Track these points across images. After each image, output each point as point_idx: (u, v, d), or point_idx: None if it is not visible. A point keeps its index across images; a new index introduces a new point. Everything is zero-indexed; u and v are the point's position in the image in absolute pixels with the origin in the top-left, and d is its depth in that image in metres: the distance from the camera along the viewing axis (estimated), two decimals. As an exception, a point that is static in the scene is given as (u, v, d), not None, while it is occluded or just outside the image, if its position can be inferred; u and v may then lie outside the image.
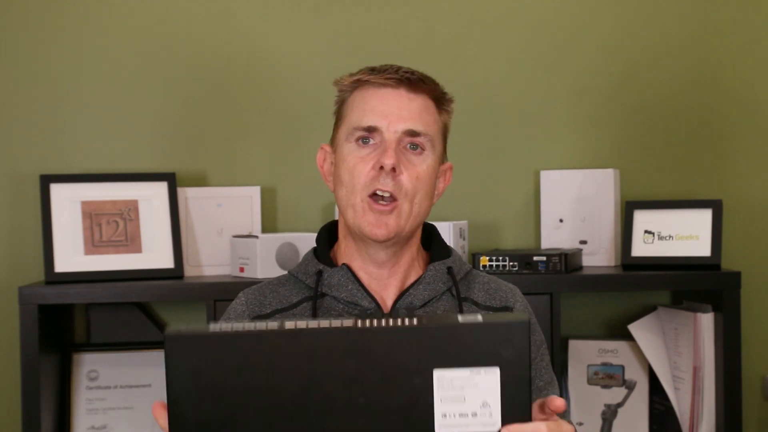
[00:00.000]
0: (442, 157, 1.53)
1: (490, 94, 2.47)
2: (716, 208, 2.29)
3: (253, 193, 2.38)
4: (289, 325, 1.21)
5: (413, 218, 1.47)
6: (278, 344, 1.20)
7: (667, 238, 2.32)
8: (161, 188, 2.30)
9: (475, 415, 1.18)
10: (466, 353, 1.19)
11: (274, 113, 2.44)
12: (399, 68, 1.48)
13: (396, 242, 1.47)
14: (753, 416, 2.43)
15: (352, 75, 1.52)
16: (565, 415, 1.48)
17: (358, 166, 1.45)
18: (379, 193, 1.44)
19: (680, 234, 2.31)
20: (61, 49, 2.39)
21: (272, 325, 1.21)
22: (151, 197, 2.30)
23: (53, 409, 2.22)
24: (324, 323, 1.21)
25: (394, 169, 1.43)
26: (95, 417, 2.28)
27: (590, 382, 2.37)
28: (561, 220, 2.39)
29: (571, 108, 2.48)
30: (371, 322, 1.20)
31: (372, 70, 1.49)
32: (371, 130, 1.45)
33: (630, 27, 2.48)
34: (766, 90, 2.48)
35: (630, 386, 2.34)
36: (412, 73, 1.48)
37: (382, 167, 1.43)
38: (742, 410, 2.19)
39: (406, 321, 1.20)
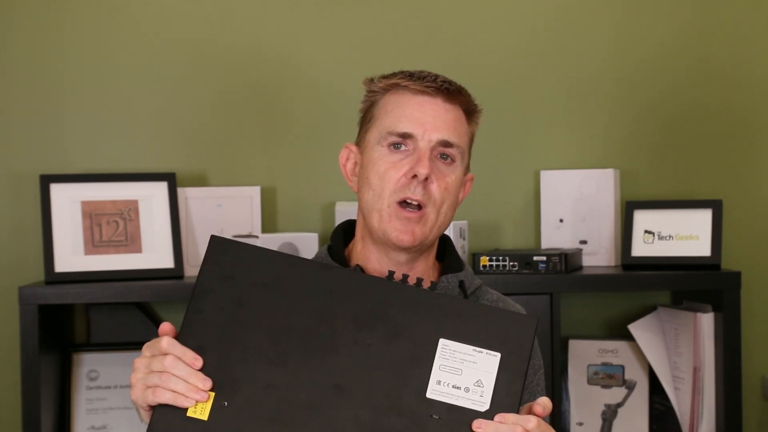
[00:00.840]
0: (467, 168, 1.54)
1: (491, 94, 2.46)
2: (716, 208, 2.29)
3: (253, 193, 2.38)
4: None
5: (438, 227, 1.47)
6: (308, 274, 1.29)
7: (667, 238, 2.32)
8: (161, 188, 2.30)
9: (467, 390, 1.24)
10: (475, 332, 1.26)
11: (275, 113, 2.44)
12: (437, 77, 1.48)
13: (418, 249, 1.48)
14: (753, 416, 2.43)
15: (386, 77, 1.51)
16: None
17: (390, 172, 1.45)
18: (408, 201, 1.44)
19: (680, 234, 2.31)
20: (61, 49, 2.39)
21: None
22: (151, 197, 2.30)
23: (53, 409, 2.22)
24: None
25: (426, 179, 1.43)
26: (95, 417, 2.28)
27: (590, 382, 2.37)
28: (561, 220, 2.39)
29: (571, 108, 2.48)
30: (398, 280, 1.30)
31: (411, 76, 1.48)
32: (406, 136, 1.45)
33: (631, 28, 2.48)
34: (766, 90, 2.48)
35: (630, 386, 2.34)
36: (450, 83, 1.48)
37: (414, 176, 1.43)
38: (742, 410, 2.19)
39: (428, 289, 1.29)
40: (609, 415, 2.34)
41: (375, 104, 1.50)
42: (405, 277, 1.31)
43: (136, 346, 2.32)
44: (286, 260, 1.30)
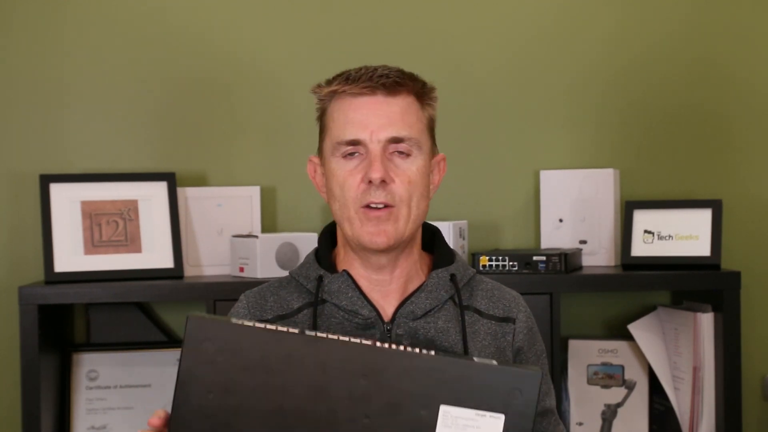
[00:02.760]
0: (433, 151, 1.50)
1: (490, 94, 2.47)
2: (716, 208, 2.29)
3: (253, 193, 2.38)
4: (310, 332, 1.22)
5: (412, 222, 1.45)
6: (296, 348, 1.21)
7: (667, 238, 2.32)
8: (161, 188, 2.31)
9: None
10: (475, 394, 1.20)
11: (274, 113, 2.44)
12: (374, 72, 1.44)
13: (395, 247, 1.46)
14: (753, 416, 2.43)
15: (329, 83, 1.48)
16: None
17: (348, 180, 1.43)
18: (372, 205, 1.42)
19: (680, 234, 2.31)
20: (61, 49, 2.39)
21: (293, 329, 1.23)
22: (151, 197, 2.30)
23: (53, 409, 2.22)
24: (344, 338, 1.22)
25: (383, 181, 1.41)
26: (95, 417, 2.28)
27: (590, 382, 2.37)
28: (561, 220, 2.39)
29: (571, 108, 2.48)
30: (389, 346, 1.22)
31: (347, 79, 1.45)
32: (355, 143, 1.43)
33: (630, 27, 2.48)
34: (766, 90, 2.48)
35: (630, 386, 2.34)
36: (387, 75, 1.44)
37: (371, 181, 1.41)
38: (742, 410, 2.19)
39: (424, 351, 1.22)
40: (609, 415, 2.33)
41: (324, 112, 1.48)
42: (399, 338, 1.25)
43: (136, 346, 2.33)
44: (271, 336, 1.22)
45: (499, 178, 2.47)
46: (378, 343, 1.22)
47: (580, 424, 2.35)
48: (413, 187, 1.44)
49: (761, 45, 2.48)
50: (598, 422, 2.34)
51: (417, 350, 1.22)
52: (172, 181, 2.31)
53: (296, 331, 1.22)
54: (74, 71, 2.39)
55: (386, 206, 1.42)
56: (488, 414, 1.20)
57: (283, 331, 1.22)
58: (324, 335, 1.22)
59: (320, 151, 1.51)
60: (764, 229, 2.48)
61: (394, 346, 1.22)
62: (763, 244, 2.47)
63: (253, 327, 1.22)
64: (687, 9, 2.47)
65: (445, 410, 1.20)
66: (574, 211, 2.38)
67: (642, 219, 2.35)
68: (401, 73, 1.46)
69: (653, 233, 2.33)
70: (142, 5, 2.41)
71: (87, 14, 2.39)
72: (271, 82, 2.43)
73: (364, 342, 1.22)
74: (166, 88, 2.41)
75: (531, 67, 2.47)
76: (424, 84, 1.49)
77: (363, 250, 1.46)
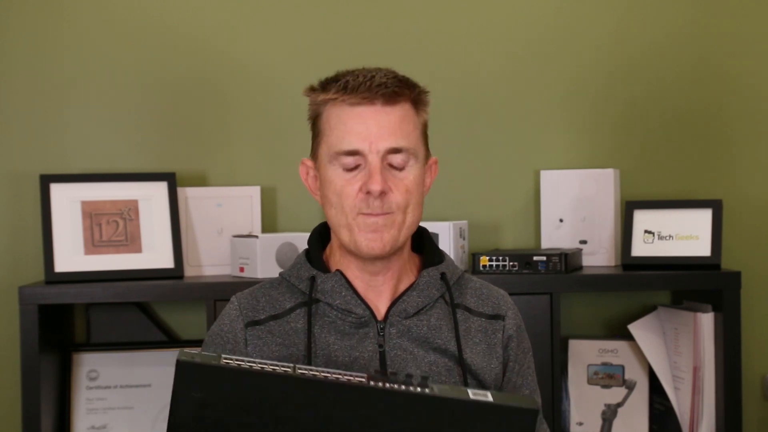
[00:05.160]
0: (426, 156, 1.51)
1: (490, 94, 2.47)
2: (716, 208, 2.29)
3: (253, 193, 2.38)
4: (301, 370, 1.19)
5: (407, 228, 1.46)
6: (288, 390, 1.19)
7: (667, 238, 2.32)
8: (161, 188, 2.31)
9: None
10: (471, 431, 1.19)
11: (274, 113, 2.44)
12: (372, 81, 1.43)
13: (391, 253, 1.47)
14: (753, 416, 2.43)
15: (323, 87, 1.47)
16: None
17: (346, 189, 1.43)
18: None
19: (680, 234, 2.31)
20: (61, 49, 2.39)
21: (286, 368, 1.20)
22: (151, 197, 2.30)
23: (53, 409, 2.22)
24: (336, 374, 1.19)
25: (382, 192, 1.42)
26: (95, 417, 2.28)
27: (590, 382, 2.37)
28: (561, 220, 2.39)
29: (571, 108, 2.48)
30: (383, 384, 1.19)
31: (345, 88, 1.43)
32: (353, 153, 1.43)
33: (630, 27, 2.48)
34: (766, 90, 2.48)
35: (630, 386, 2.34)
36: (386, 85, 1.43)
37: (369, 192, 1.42)
38: (742, 410, 2.19)
39: (418, 389, 1.19)
40: (609, 415, 2.33)
41: (320, 116, 1.47)
42: (392, 375, 1.22)
43: (136, 346, 2.33)
44: (263, 380, 1.18)
45: (499, 178, 2.47)
46: (372, 382, 1.20)
47: (580, 424, 2.35)
48: (410, 195, 1.45)
49: (761, 45, 2.48)
50: (598, 422, 2.34)
51: (411, 389, 1.19)
52: (172, 181, 2.31)
53: (289, 368, 1.19)
54: (74, 71, 2.39)
55: (383, 213, 1.43)
56: None
57: (274, 373, 1.19)
58: (316, 373, 1.19)
59: (314, 155, 1.50)
60: (764, 229, 2.48)
61: (387, 385, 1.19)
62: (763, 244, 2.47)
63: (245, 369, 1.19)
64: (686, 9, 2.47)
65: None
66: (574, 211, 2.38)
67: (642, 219, 2.35)
68: (398, 80, 1.45)
69: (653, 233, 2.33)
70: (143, 6, 2.41)
71: (87, 14, 2.39)
72: (272, 82, 2.43)
73: (358, 378, 1.19)
74: (166, 88, 2.41)
75: (531, 67, 2.47)
76: (419, 90, 1.48)
77: (358, 256, 1.47)
